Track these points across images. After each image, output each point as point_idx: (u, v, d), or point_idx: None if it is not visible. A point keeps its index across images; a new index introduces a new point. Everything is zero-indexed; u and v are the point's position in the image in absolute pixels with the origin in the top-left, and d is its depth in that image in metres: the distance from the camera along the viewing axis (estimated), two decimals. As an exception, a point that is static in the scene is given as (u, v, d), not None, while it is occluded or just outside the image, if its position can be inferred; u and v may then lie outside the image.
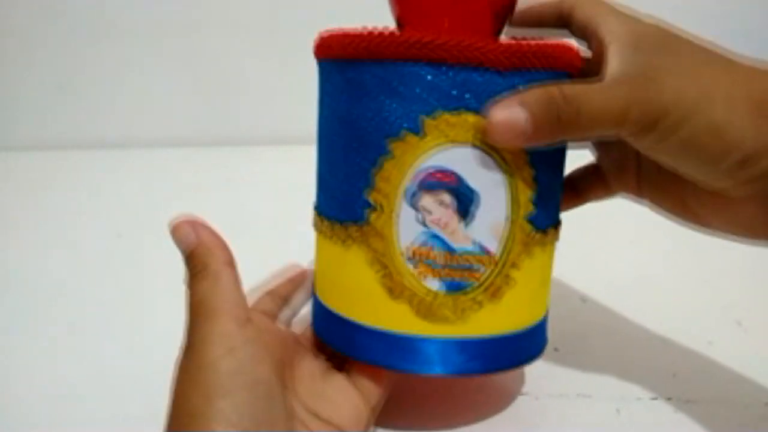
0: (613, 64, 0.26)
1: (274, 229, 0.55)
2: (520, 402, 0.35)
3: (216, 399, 0.24)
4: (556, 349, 0.38)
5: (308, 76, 0.78)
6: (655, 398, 0.35)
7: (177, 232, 0.28)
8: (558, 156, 0.29)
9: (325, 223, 0.29)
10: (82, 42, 0.73)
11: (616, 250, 0.49)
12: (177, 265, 0.51)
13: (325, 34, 0.28)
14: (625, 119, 0.25)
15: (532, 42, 0.26)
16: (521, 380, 0.36)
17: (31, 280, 0.49)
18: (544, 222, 0.29)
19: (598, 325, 0.41)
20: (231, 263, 0.28)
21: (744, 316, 0.42)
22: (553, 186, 0.29)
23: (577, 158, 0.33)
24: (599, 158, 0.35)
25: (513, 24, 0.31)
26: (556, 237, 0.31)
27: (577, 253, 0.41)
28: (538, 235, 0.29)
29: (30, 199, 0.64)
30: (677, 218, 0.31)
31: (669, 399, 0.35)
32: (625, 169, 0.33)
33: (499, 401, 0.35)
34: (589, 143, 0.34)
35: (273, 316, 0.32)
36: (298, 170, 0.43)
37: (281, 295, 0.33)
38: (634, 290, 0.44)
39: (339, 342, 0.31)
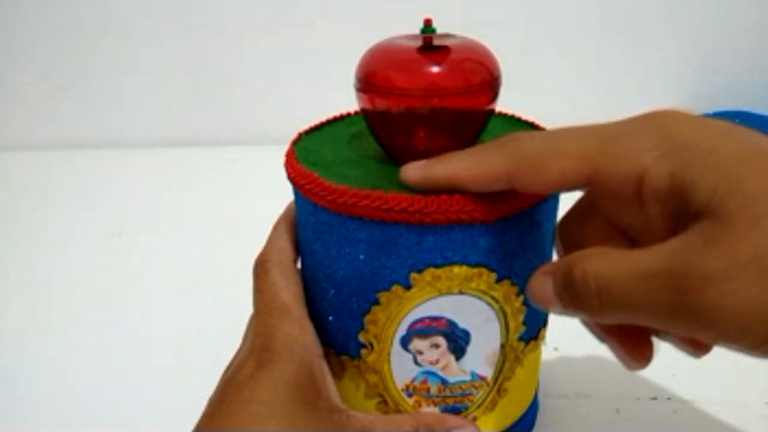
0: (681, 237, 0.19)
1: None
2: (520, 402, 0.35)
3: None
4: (555, 349, 0.38)
5: (308, 76, 0.79)
6: (655, 398, 0.35)
7: None
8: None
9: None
10: (81, 42, 0.73)
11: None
12: (177, 264, 0.51)
13: (315, 181, 0.25)
14: (661, 319, 0.19)
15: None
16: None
17: (32, 280, 0.49)
18: (534, 331, 0.29)
19: (598, 325, 0.41)
20: None
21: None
22: None
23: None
24: None
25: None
26: (545, 332, 0.30)
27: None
28: (529, 345, 0.29)
29: (30, 199, 0.64)
30: None
31: (669, 399, 0.35)
32: None
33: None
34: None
35: None
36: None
37: None
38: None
39: None
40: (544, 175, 0.22)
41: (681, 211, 0.19)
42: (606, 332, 0.25)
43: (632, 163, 0.20)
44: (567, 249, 0.26)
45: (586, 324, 0.26)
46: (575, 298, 0.21)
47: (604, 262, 0.20)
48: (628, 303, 0.19)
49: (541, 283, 0.22)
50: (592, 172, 0.21)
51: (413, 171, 0.25)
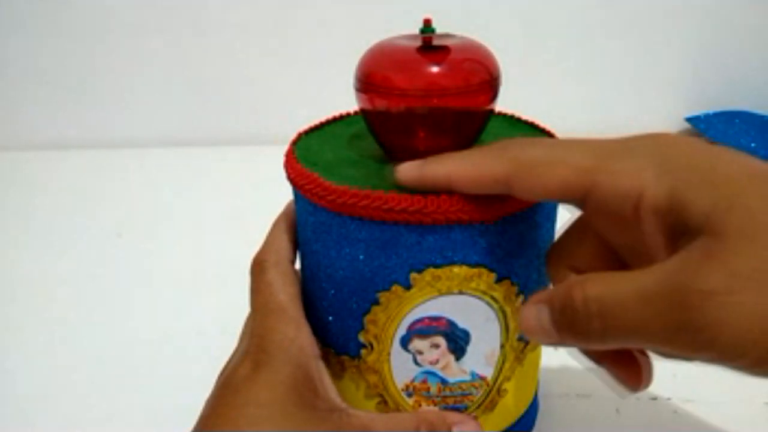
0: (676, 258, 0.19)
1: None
2: (520, 402, 0.35)
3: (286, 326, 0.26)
4: (556, 349, 0.38)
5: (308, 76, 0.79)
6: (655, 398, 0.35)
7: None
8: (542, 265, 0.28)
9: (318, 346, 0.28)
10: (82, 41, 0.73)
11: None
12: (177, 264, 0.51)
13: (315, 181, 0.25)
14: (663, 340, 0.19)
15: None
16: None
17: (31, 280, 0.49)
18: None
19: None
20: None
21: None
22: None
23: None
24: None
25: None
26: None
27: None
28: (529, 345, 0.29)
29: (30, 199, 0.64)
30: None
31: (669, 399, 0.35)
32: None
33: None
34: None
35: None
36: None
37: None
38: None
39: None
40: (543, 182, 0.22)
41: (679, 229, 0.19)
42: (600, 357, 0.25)
43: (632, 179, 0.21)
44: (558, 271, 0.26)
45: (581, 350, 0.25)
46: (575, 325, 0.20)
47: (605, 285, 0.20)
48: (631, 325, 0.19)
49: (535, 313, 0.22)
50: (590, 185, 0.21)
51: (409, 170, 0.24)
